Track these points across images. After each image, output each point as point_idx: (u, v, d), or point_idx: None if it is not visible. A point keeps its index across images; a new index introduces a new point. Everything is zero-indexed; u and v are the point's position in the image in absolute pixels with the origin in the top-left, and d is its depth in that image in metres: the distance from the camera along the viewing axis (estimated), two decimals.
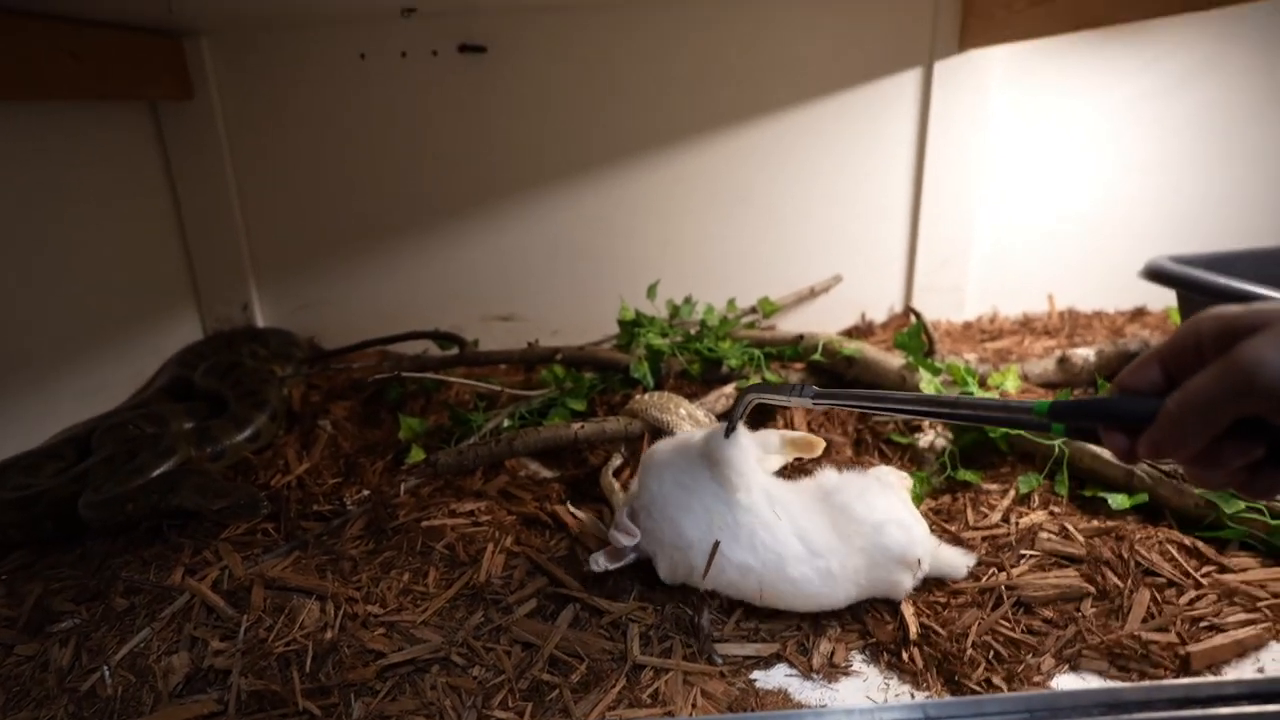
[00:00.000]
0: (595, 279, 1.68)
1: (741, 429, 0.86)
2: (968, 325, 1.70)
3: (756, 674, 0.78)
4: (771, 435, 0.93)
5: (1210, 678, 0.73)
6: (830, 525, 0.83)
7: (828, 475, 0.89)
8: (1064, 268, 1.70)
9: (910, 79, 1.56)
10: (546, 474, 1.14)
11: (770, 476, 0.89)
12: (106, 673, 0.80)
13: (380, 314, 1.69)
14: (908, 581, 0.83)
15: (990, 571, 0.87)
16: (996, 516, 0.97)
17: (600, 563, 0.86)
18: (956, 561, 0.87)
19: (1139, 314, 1.68)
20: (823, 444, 0.94)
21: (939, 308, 1.69)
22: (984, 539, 0.94)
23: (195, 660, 0.80)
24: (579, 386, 1.19)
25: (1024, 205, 1.66)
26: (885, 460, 1.12)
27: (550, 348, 1.28)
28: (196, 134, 1.58)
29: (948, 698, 0.70)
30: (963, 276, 1.69)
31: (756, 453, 0.88)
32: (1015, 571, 0.87)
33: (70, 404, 1.32)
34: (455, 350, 1.35)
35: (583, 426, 1.06)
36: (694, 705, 0.73)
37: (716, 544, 0.82)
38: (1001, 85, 1.56)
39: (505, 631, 0.81)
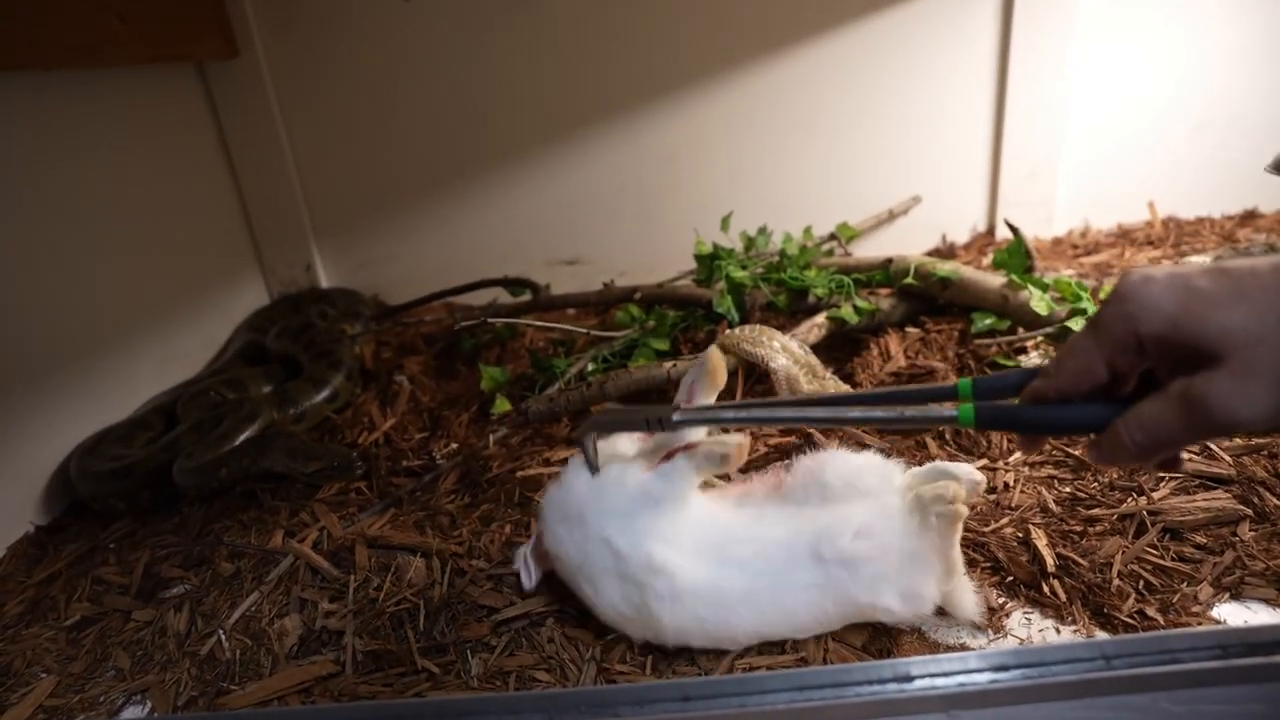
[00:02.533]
0: (661, 216, 1.62)
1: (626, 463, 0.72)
2: (1057, 241, 1.60)
3: None
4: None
5: None
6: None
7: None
8: (1163, 173, 1.57)
9: None
10: None
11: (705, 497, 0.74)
12: (222, 636, 0.79)
13: (441, 266, 1.65)
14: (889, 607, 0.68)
15: (1128, 497, 0.81)
16: None
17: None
18: (968, 605, 0.70)
19: (1250, 217, 1.55)
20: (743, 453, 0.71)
21: (1026, 223, 1.57)
22: None
23: (307, 622, 0.79)
24: (661, 325, 1.14)
25: (1118, 108, 1.53)
26: None
27: (627, 287, 1.23)
28: (245, 92, 1.55)
29: (1125, 635, 0.65)
30: (1051, 189, 1.58)
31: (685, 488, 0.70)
32: (1156, 496, 0.80)
33: (151, 373, 1.32)
34: (528, 296, 1.31)
35: (674, 365, 1.01)
36: (825, 649, 0.69)
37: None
38: None
39: None
